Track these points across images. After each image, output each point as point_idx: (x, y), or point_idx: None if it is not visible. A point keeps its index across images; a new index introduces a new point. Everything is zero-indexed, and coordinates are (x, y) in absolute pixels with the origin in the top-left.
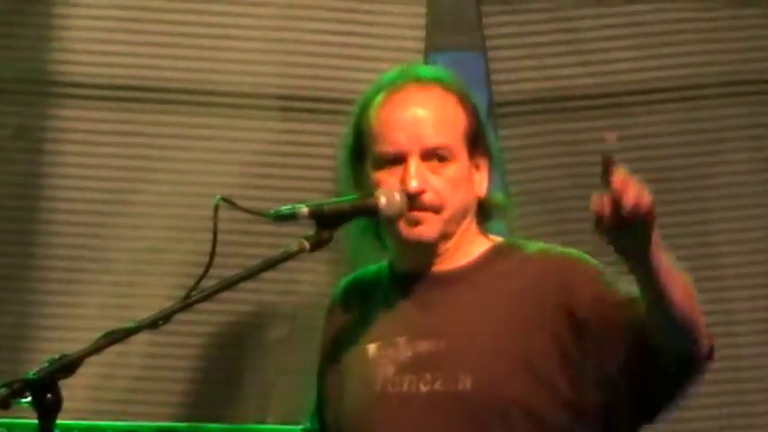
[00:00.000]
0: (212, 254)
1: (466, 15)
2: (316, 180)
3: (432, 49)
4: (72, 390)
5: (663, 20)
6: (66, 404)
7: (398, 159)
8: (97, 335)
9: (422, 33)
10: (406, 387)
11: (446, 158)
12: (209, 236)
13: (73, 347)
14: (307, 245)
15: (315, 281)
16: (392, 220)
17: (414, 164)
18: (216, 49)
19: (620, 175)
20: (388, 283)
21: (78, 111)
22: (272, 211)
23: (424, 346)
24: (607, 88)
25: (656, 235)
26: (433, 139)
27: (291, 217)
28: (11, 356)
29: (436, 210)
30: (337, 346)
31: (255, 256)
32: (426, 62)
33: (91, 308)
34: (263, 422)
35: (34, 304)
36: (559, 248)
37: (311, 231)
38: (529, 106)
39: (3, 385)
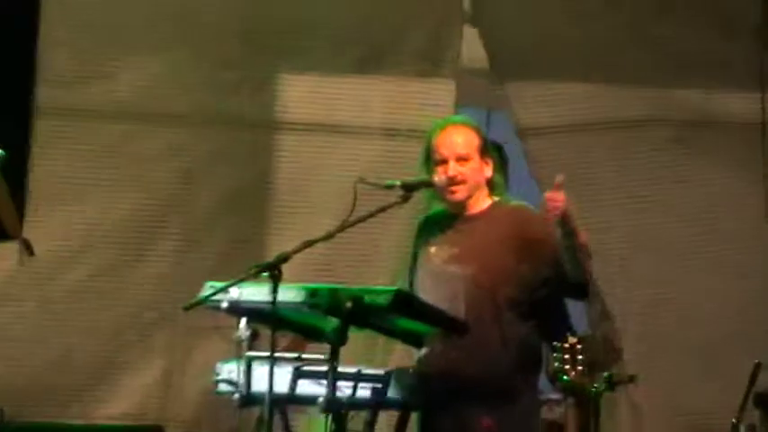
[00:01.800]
0: (353, 205)
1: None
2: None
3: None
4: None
5: None
6: None
7: (444, 161)
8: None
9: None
10: (443, 267)
11: (467, 160)
12: (352, 197)
13: (289, 249)
14: (400, 200)
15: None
16: (443, 191)
17: (451, 163)
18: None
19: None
20: (444, 218)
21: (288, 137)
22: (385, 183)
23: (455, 250)
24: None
25: (576, 223)
26: (460, 151)
27: (392, 185)
28: (260, 253)
29: (461, 183)
30: (417, 249)
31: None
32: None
33: (298, 231)
34: None
35: (272, 228)
36: (524, 204)
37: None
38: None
39: (255, 267)
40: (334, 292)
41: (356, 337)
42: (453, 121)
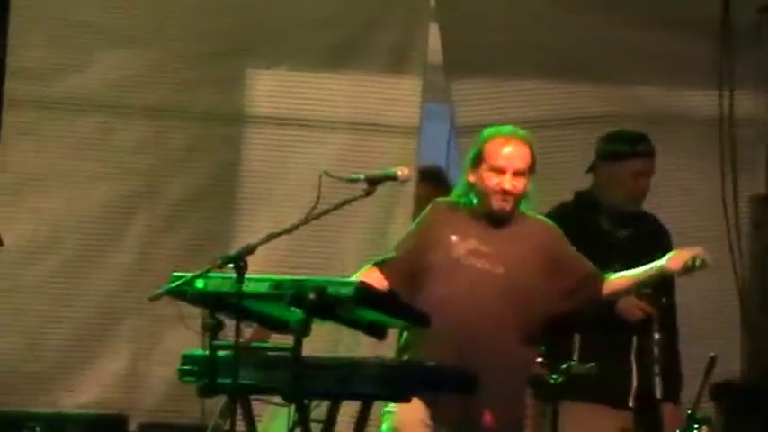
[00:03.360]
0: (318, 199)
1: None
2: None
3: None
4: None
5: None
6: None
7: (502, 172)
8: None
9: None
10: (469, 262)
11: (522, 175)
12: (317, 191)
13: (253, 240)
14: (363, 193)
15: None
16: (490, 196)
17: (508, 176)
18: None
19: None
20: (471, 213)
21: (258, 130)
22: (347, 177)
23: (484, 247)
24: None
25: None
26: (518, 165)
27: (356, 179)
28: (225, 245)
29: (513, 196)
30: (433, 232)
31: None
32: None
33: (263, 222)
34: None
35: (237, 220)
36: (545, 219)
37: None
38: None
39: (220, 258)
40: (297, 283)
41: (320, 328)
42: (517, 134)
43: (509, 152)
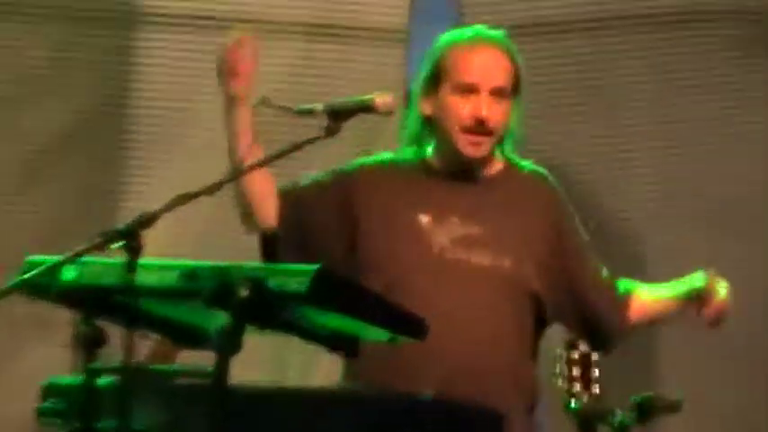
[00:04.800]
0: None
1: None
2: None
3: None
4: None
5: None
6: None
7: (472, 90)
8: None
9: None
10: (459, 256)
11: (504, 96)
12: None
13: (151, 207)
14: (322, 132)
15: None
16: (453, 138)
17: (484, 96)
18: None
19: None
20: (426, 173)
21: (157, 34)
22: (297, 107)
23: (475, 229)
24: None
25: None
26: (499, 81)
27: (310, 111)
28: (110, 215)
29: (491, 133)
30: (374, 206)
31: (284, 143)
32: None
33: (166, 179)
34: None
35: (126, 176)
36: (541, 170)
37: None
38: None
39: (100, 234)
40: (222, 272)
41: (257, 341)
42: (489, 35)
43: (483, 61)
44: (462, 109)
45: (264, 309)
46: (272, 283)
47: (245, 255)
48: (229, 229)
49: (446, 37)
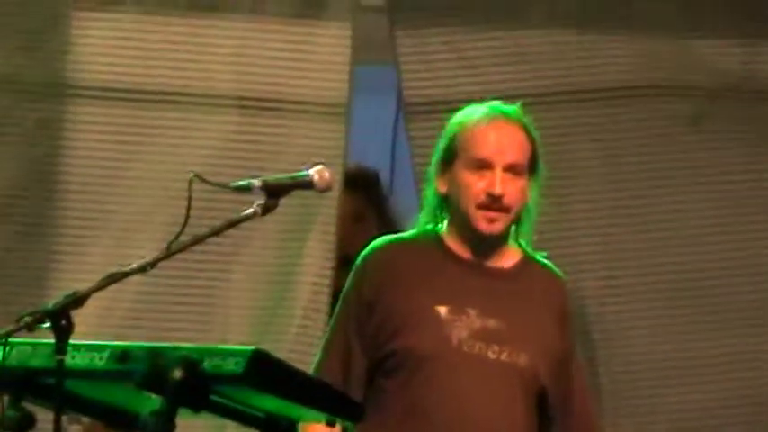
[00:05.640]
0: (187, 217)
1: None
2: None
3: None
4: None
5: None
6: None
7: (486, 166)
8: (100, 277)
9: (347, 51)
10: (476, 350)
11: (518, 174)
12: (185, 203)
13: (82, 286)
14: (259, 209)
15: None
16: (470, 215)
17: (499, 173)
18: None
19: None
20: (443, 255)
21: (88, 108)
22: (232, 184)
23: (492, 322)
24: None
25: None
26: (514, 157)
27: (247, 188)
28: (36, 293)
29: (507, 210)
30: (391, 298)
31: (220, 219)
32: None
33: (96, 256)
34: None
35: (55, 253)
36: (557, 270)
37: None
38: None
39: (28, 314)
40: (154, 353)
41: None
42: (503, 111)
43: (497, 136)
44: (477, 185)
45: (199, 391)
46: (208, 364)
47: (174, 333)
48: (162, 309)
49: (461, 114)
